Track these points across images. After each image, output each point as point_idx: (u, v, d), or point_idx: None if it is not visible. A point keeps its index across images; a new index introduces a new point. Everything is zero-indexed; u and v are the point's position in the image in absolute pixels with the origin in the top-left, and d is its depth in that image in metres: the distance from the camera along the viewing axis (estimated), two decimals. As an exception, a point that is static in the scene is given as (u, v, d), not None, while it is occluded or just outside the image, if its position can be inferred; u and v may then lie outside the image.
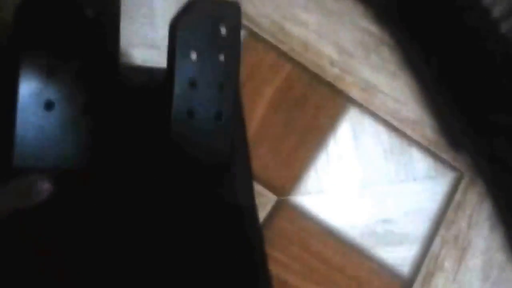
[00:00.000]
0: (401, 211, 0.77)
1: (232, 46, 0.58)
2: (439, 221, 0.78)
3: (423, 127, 0.81)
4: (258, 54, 0.78)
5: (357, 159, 0.77)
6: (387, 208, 0.77)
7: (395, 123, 0.80)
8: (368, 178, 0.77)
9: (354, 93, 0.80)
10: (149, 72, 0.65)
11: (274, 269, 0.68)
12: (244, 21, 0.79)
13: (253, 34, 0.79)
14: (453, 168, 0.81)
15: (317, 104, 0.78)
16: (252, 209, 0.61)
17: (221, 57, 0.57)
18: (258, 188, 0.71)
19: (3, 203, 0.42)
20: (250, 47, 0.78)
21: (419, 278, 0.75)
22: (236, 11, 0.58)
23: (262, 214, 0.71)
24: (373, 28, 0.85)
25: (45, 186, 0.43)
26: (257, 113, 0.75)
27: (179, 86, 0.55)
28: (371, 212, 0.75)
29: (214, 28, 0.56)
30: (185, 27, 0.54)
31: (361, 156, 0.78)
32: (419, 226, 0.78)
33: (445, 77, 0.81)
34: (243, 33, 0.75)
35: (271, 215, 0.71)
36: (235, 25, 0.58)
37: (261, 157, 0.73)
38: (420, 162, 0.80)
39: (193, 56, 0.56)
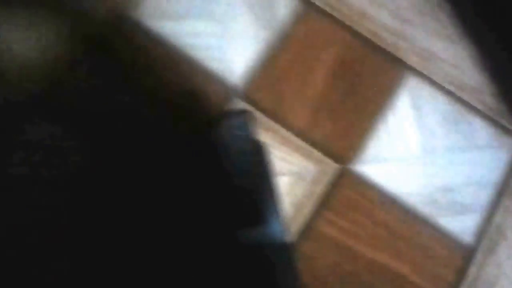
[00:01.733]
0: (463, 180, 0.75)
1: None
2: (502, 191, 0.77)
3: (484, 94, 0.80)
4: (314, 23, 0.77)
5: (416, 128, 0.76)
6: (449, 177, 0.75)
7: (455, 90, 0.79)
8: (428, 147, 0.76)
9: (412, 60, 0.79)
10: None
11: (339, 235, 0.68)
12: (299, -10, 0.78)
13: (308, 5, 0.78)
14: (515, 135, 0.79)
15: (374, 72, 0.77)
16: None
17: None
18: (318, 155, 0.71)
19: None
20: (304, 15, 0.77)
21: (482, 247, 0.74)
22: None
23: (323, 181, 0.70)
24: (430, -6, 0.83)
25: None
26: (316, 80, 0.74)
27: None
28: (432, 181, 0.74)
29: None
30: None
31: (421, 124, 0.76)
32: (480, 195, 0.76)
33: (506, 41, 0.79)
34: (297, 5, 0.74)
35: (333, 183, 0.70)
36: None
37: (321, 125, 0.72)
38: (481, 131, 0.78)
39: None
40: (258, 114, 0.71)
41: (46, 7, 0.67)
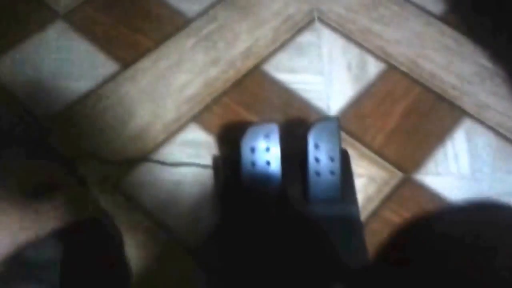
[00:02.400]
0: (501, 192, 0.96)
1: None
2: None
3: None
4: (395, 78, 1.07)
5: (468, 153, 1.00)
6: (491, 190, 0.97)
7: (504, 132, 1.02)
8: (477, 167, 0.99)
9: (470, 109, 1.04)
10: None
11: (399, 221, 0.92)
12: (385, 57, 1.09)
13: (391, 66, 1.08)
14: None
15: (439, 114, 1.04)
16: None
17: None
18: (388, 166, 0.97)
19: None
20: (388, 72, 1.07)
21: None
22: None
23: (390, 184, 0.96)
24: (488, 63, 1.09)
25: None
26: (393, 117, 1.02)
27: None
28: (476, 193, 0.96)
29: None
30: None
31: (473, 153, 1.00)
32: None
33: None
34: (383, 66, 1.05)
35: (397, 186, 0.96)
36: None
37: (393, 146, 0.99)
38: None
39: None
40: (347, 137, 1.00)
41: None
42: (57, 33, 1.08)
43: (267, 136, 0.89)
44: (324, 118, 0.97)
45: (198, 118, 0.99)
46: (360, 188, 0.95)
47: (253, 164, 0.89)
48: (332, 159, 0.90)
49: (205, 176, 0.94)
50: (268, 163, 0.89)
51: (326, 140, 0.90)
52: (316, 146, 0.89)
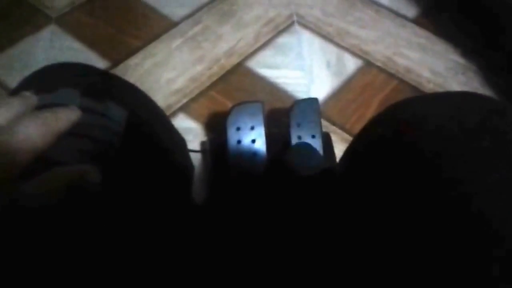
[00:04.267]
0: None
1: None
2: None
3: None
4: (372, 73, 1.12)
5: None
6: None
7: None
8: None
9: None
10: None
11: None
12: (362, 54, 1.15)
13: (368, 63, 1.14)
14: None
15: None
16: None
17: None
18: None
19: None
20: (365, 67, 1.13)
21: None
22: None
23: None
24: (460, 59, 1.16)
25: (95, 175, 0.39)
26: (372, 107, 1.07)
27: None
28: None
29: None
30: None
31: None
32: None
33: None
34: (361, 62, 1.11)
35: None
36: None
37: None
38: None
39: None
40: (328, 124, 1.04)
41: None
42: (50, 35, 1.13)
43: (252, 114, 0.93)
44: (304, 99, 1.02)
45: (186, 108, 1.03)
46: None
47: (239, 142, 0.92)
48: (313, 137, 0.94)
49: (194, 161, 0.97)
50: (253, 141, 0.93)
51: (308, 119, 0.94)
52: (298, 125, 0.94)
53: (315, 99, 0.96)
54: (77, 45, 1.12)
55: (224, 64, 1.11)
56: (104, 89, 0.52)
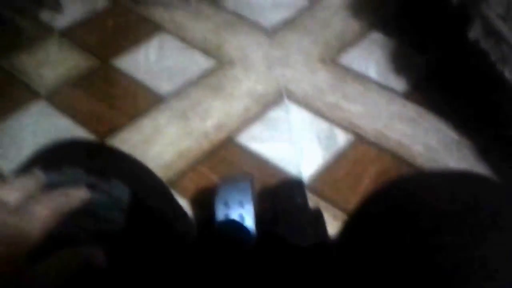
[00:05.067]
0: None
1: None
2: None
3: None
4: (363, 147, 1.11)
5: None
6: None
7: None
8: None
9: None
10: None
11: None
12: (353, 129, 1.13)
13: (359, 137, 1.12)
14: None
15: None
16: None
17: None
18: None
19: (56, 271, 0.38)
20: (356, 146, 1.11)
21: None
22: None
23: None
24: (453, 134, 1.14)
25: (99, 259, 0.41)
26: (364, 182, 1.05)
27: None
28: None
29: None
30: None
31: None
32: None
33: None
34: (351, 137, 1.10)
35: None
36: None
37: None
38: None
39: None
40: (320, 200, 1.01)
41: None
42: (39, 111, 1.12)
43: (240, 190, 0.90)
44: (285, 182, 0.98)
45: (173, 184, 1.01)
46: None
47: (227, 217, 0.89)
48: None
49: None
50: (241, 216, 0.90)
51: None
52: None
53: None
54: (64, 120, 1.11)
55: (213, 138, 1.10)
56: (107, 167, 0.55)
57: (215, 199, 0.88)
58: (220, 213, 0.89)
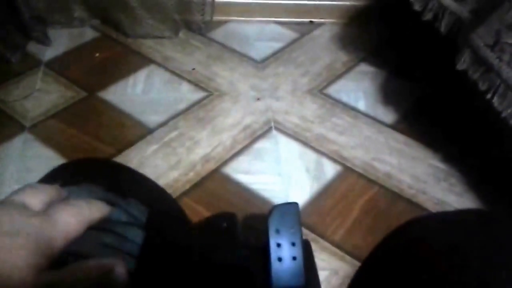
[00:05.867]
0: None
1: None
2: None
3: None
4: (352, 179, 1.10)
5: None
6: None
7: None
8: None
9: (428, 205, 1.06)
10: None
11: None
12: (341, 160, 1.13)
13: (348, 168, 1.12)
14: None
15: (398, 211, 1.05)
16: None
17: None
18: (349, 259, 0.97)
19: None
20: (345, 177, 1.10)
21: None
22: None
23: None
24: (440, 164, 1.14)
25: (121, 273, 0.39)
26: (352, 213, 1.04)
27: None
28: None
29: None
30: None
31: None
32: None
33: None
34: (340, 168, 1.09)
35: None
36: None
37: (353, 241, 1.00)
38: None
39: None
40: (308, 232, 1.00)
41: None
42: (23, 143, 1.11)
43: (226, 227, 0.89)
44: (284, 203, 0.98)
45: (158, 216, 0.99)
46: (323, 280, 0.93)
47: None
48: (293, 244, 0.89)
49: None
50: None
51: (287, 225, 0.90)
52: (277, 232, 0.89)
53: (295, 204, 0.92)
54: (49, 153, 1.10)
55: (200, 170, 1.09)
56: (125, 186, 0.54)
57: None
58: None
